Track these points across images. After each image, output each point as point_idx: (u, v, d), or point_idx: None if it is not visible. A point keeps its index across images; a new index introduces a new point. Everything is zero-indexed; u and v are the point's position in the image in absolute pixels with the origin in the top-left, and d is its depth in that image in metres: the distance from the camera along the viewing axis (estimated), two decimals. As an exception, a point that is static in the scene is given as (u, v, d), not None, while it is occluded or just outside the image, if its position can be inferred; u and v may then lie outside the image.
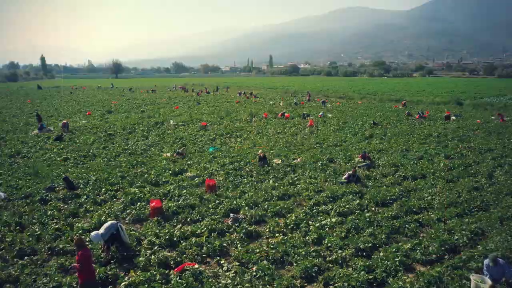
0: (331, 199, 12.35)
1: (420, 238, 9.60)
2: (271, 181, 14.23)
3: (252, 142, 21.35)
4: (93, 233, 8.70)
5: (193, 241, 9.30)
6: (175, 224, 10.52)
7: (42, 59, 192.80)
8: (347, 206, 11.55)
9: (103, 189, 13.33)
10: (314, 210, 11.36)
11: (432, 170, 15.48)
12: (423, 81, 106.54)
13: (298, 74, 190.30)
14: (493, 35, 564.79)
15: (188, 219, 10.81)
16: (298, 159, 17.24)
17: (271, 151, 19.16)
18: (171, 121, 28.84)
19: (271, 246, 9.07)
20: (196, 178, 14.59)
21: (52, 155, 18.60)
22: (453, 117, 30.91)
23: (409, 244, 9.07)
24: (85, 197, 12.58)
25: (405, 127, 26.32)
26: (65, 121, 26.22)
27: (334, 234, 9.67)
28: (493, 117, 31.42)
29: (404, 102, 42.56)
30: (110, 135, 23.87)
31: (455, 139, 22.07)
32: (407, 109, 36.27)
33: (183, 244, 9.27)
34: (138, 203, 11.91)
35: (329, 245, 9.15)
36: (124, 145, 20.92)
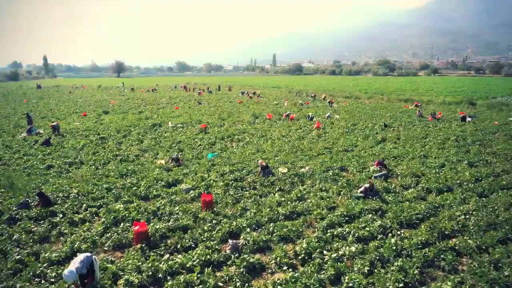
0: (347, 218, 10.56)
1: (462, 274, 7.81)
2: (276, 195, 12.53)
3: (255, 147, 19.61)
4: (66, 272, 7.05)
5: (182, 279, 7.49)
6: (162, 252, 8.75)
7: (45, 58, 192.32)
8: (367, 228, 9.75)
9: (84, 205, 11.60)
10: (328, 234, 9.57)
11: (458, 181, 13.69)
12: (429, 80, 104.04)
13: (302, 73, 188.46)
14: (498, 33, 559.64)
15: (179, 246, 9.09)
16: (306, 168, 15.50)
17: (276, 157, 17.45)
18: (169, 123, 27.15)
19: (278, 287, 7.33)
20: (192, 191, 12.83)
21: (35, 162, 16.90)
22: (469, 119, 29.06)
23: (449, 284, 7.33)
24: (61, 215, 10.86)
25: (419, 130, 24.51)
26: (54, 123, 24.50)
27: (356, 269, 7.84)
28: (510, 118, 29.57)
29: (417, 103, 40.60)
30: (102, 139, 22.20)
31: (476, 143, 20.28)
32: (419, 109, 34.51)
33: (170, 283, 7.47)
34: (122, 224, 10.18)
35: (350, 284, 7.36)
36: (116, 150, 19.21)
